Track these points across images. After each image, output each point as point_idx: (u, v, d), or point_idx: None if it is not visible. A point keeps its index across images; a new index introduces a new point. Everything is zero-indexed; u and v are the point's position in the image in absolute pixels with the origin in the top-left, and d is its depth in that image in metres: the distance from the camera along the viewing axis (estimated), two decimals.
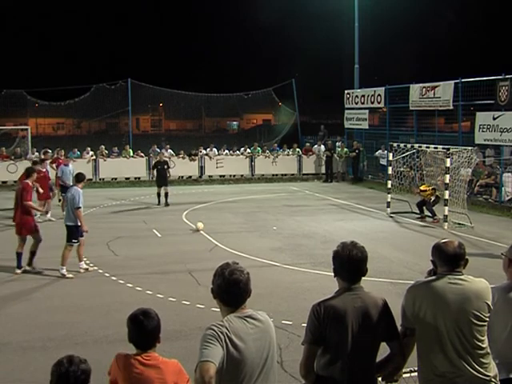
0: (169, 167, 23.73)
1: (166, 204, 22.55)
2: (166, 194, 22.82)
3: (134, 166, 30.10)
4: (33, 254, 13.06)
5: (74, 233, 12.73)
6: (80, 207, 12.59)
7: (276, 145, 35.21)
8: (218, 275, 4.16)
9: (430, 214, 19.39)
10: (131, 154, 30.77)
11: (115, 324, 9.21)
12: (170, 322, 9.17)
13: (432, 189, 19.57)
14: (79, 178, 13.22)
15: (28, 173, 13.53)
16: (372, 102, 30.43)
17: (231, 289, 4.08)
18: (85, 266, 13.14)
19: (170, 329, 8.92)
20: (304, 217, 20.10)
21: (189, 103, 36.40)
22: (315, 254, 14.50)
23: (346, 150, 32.06)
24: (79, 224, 12.68)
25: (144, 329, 4.43)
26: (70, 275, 12.64)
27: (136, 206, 22.32)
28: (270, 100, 38.59)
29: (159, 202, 22.78)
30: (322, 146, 33.10)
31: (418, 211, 19.83)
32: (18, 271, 12.82)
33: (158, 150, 31.05)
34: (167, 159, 26.67)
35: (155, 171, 23.64)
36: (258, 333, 4.13)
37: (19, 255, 12.89)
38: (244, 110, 43.19)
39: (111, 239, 16.32)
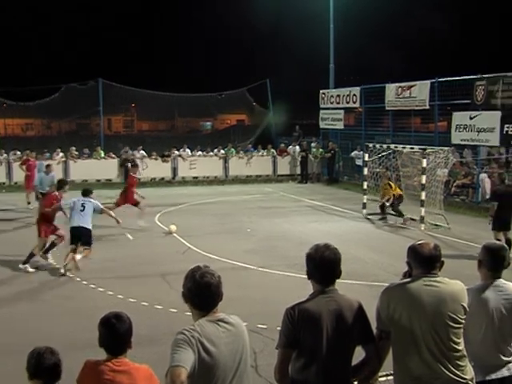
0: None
1: None
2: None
3: (106, 167, 29.90)
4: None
5: (91, 236, 13.59)
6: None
7: (250, 145, 35.24)
8: (189, 278, 4.15)
9: (393, 214, 19.60)
10: (102, 155, 30.56)
11: (86, 329, 9.10)
12: (142, 327, 9.09)
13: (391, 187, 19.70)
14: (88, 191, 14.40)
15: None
16: (347, 102, 30.58)
17: (202, 292, 4.07)
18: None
19: (141, 333, 8.84)
20: (278, 218, 20.11)
21: (161, 103, 36.20)
22: (290, 255, 14.50)
23: (321, 150, 32.20)
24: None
25: (116, 332, 4.38)
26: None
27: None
28: (244, 100, 38.59)
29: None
30: (297, 147, 33.19)
31: (380, 211, 19.98)
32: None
33: (130, 152, 30.93)
34: (136, 157, 26.82)
35: (123, 170, 23.84)
36: (231, 337, 4.12)
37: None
38: (218, 110, 43.09)
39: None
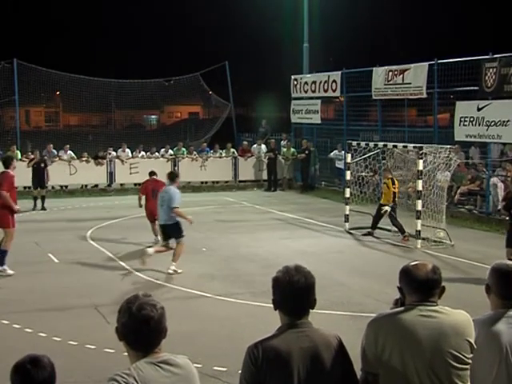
0: (46, 166, 25.92)
1: (43, 208, 25.08)
2: (43, 198, 25.14)
3: (22, 171, 29.50)
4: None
5: (179, 227, 15.81)
6: (177, 207, 15.68)
7: (205, 144, 35.21)
8: (124, 311, 4.10)
9: (388, 229, 19.74)
10: (19, 156, 30.22)
11: None
12: (69, 373, 9.00)
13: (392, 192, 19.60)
14: (173, 176, 16.65)
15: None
16: (325, 90, 30.77)
17: (140, 328, 4.02)
18: (174, 269, 15.41)
19: (69, 381, 8.76)
20: (241, 235, 20.12)
21: (94, 92, 36.01)
22: (255, 281, 14.51)
23: (293, 150, 32.35)
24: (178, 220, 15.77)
25: (32, 381, 4.30)
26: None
27: (25, 223, 21.89)
28: (197, 88, 38.60)
29: (35, 206, 25.24)
30: (263, 146, 33.29)
31: (371, 225, 20.05)
32: None
33: (55, 152, 30.67)
34: (46, 158, 27.79)
35: (31, 171, 25.49)
36: (177, 382, 4.08)
37: None
38: (165, 100, 43.06)
39: None
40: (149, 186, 19.27)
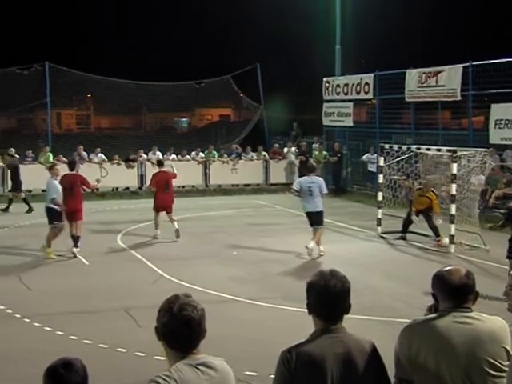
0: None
1: (5, 209, 25.94)
2: (11, 201, 26.06)
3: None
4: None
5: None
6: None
7: (236, 147, 35.24)
8: (165, 311, 4.11)
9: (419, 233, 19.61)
10: (51, 158, 30.46)
11: (27, 380, 9.05)
12: (99, 376, 9.02)
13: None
14: (312, 167, 18.91)
15: None
16: (358, 93, 30.70)
17: (181, 329, 4.04)
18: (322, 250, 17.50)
19: None
20: (272, 238, 20.11)
21: (125, 94, 36.21)
22: (287, 285, 14.47)
23: (324, 153, 32.26)
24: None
25: None
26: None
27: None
28: (228, 90, 38.69)
29: (7, 208, 25.96)
30: (295, 149, 33.25)
31: (402, 229, 19.96)
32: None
33: (85, 155, 30.88)
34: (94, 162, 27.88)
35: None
36: None
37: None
38: (196, 102, 43.16)
39: (24, 269, 16.14)
40: (161, 178, 20.47)
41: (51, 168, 18.33)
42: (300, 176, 31.37)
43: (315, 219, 17.85)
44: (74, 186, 18.05)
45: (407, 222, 19.87)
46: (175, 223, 20.17)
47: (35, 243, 18.81)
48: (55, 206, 17.38)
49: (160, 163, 21.62)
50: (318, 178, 18.56)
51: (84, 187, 18.56)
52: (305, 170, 19.42)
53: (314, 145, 33.64)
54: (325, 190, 18.03)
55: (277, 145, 34.78)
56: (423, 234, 19.78)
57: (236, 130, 39.65)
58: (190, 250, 18.67)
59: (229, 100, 43.64)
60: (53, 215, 17.52)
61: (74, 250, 17.69)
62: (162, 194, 20.28)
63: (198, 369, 4.05)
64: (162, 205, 20.25)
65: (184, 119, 61.20)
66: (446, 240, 18.67)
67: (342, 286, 4.48)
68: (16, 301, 13.43)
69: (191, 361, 4.06)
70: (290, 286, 14.32)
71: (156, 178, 20.66)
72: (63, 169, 25.22)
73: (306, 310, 4.56)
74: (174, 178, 21.25)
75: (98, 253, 17.95)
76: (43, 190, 29.49)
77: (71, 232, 17.96)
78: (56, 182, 17.65)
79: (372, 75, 29.72)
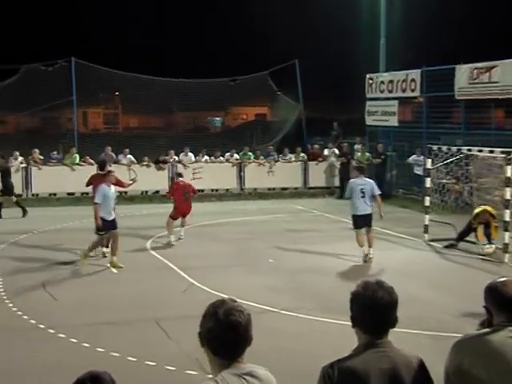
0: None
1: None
2: (1, 205, 25.79)
3: (81, 176, 29.93)
4: None
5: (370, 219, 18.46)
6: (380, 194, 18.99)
7: (273, 148, 35.25)
8: (210, 316, 4.10)
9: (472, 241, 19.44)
10: (77, 160, 30.71)
11: None
12: None
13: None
14: (363, 169, 20.06)
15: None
16: (403, 90, 30.56)
17: (227, 334, 4.03)
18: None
19: None
20: (311, 245, 20.08)
21: (155, 92, 36.35)
22: (326, 295, 14.48)
23: (367, 155, 32.12)
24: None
25: None
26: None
27: (82, 232, 22.23)
28: (265, 88, 38.65)
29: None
30: (336, 150, 33.19)
31: (456, 237, 19.75)
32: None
33: (113, 156, 31.03)
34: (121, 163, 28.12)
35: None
36: None
37: None
38: (230, 101, 43.18)
39: (49, 278, 16.27)
40: (179, 188, 21.48)
41: (106, 174, 18.42)
42: (341, 179, 31.42)
43: (365, 221, 18.44)
44: None
45: (466, 232, 19.60)
46: (184, 229, 21.57)
47: (58, 249, 19.04)
48: (104, 215, 17.50)
49: (179, 175, 22.92)
50: (369, 179, 19.14)
51: (118, 187, 19.48)
52: (355, 171, 19.88)
53: (356, 146, 33.51)
54: (378, 191, 18.65)
55: (316, 146, 34.75)
56: (473, 241, 19.61)
57: (273, 130, 39.60)
58: (222, 257, 18.72)
59: (265, 98, 43.55)
60: (102, 224, 17.61)
61: (104, 249, 18.44)
62: (182, 204, 21.27)
63: (244, 379, 4.06)
64: (182, 213, 21.44)
65: (217, 118, 61.32)
66: (491, 249, 18.56)
67: (389, 298, 4.46)
68: (40, 311, 13.54)
69: (237, 370, 4.07)
70: (329, 296, 14.29)
71: (174, 188, 21.94)
72: (90, 170, 25.52)
73: (349, 323, 4.55)
74: (127, 185, 21.77)
75: (126, 260, 18.03)
76: (70, 193, 30.06)
77: None
78: (107, 189, 17.72)
79: (419, 71, 29.56)
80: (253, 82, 37.90)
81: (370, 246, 18.21)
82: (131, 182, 20.87)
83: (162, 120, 52.99)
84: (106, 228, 17.59)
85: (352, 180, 19.14)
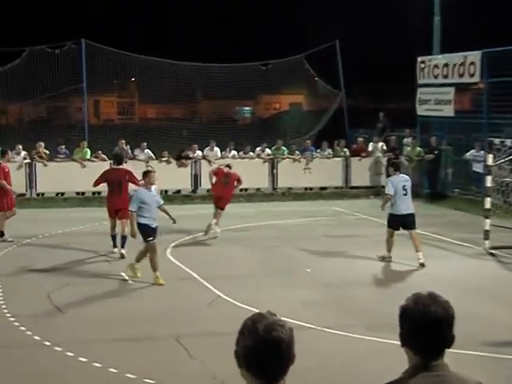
0: None
1: None
2: None
3: (93, 174, 29.98)
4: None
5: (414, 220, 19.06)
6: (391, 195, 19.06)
7: (310, 142, 35.19)
8: (248, 332, 4.07)
9: None
10: (88, 155, 30.82)
11: None
12: None
13: None
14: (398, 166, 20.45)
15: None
16: (461, 75, 30.38)
17: (269, 353, 4.01)
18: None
19: None
20: (354, 253, 20.06)
21: (177, 78, 36.47)
22: (371, 310, 14.47)
23: (418, 149, 31.99)
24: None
25: None
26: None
27: (94, 236, 22.36)
28: (301, 73, 38.66)
29: None
30: (381, 144, 33.06)
31: None
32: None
33: (128, 150, 31.10)
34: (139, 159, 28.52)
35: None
36: None
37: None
38: (262, 88, 43.17)
39: (55, 288, 16.34)
40: (220, 173, 22.88)
41: (146, 174, 18.09)
42: (388, 176, 31.29)
43: (409, 222, 19.04)
44: (122, 182, 20.04)
45: None
46: (214, 221, 22.54)
47: (66, 256, 19.14)
48: (147, 222, 17.22)
49: (228, 166, 23.72)
50: (406, 175, 20.26)
51: (133, 184, 20.00)
52: (393, 168, 20.31)
53: (405, 139, 33.40)
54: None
55: (360, 139, 34.61)
56: None
57: (310, 122, 39.54)
58: (252, 266, 18.74)
59: (301, 85, 43.50)
60: (145, 231, 17.32)
61: (123, 250, 19.47)
62: (219, 187, 22.83)
63: None
64: (217, 197, 22.85)
65: (247, 108, 61.37)
66: None
67: (444, 313, 4.42)
68: (45, 326, 13.61)
69: None
70: (375, 311, 14.26)
71: (218, 169, 23.34)
72: (102, 167, 25.66)
73: (398, 342, 4.51)
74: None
75: (144, 269, 18.05)
76: (79, 193, 30.20)
77: (112, 232, 20.11)
78: (145, 193, 17.39)
79: (479, 53, 29.36)
80: (287, 66, 37.94)
81: (417, 251, 18.65)
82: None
83: (184, 110, 53.06)
84: (150, 234, 17.27)
85: (393, 177, 19.63)
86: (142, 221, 17.22)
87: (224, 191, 22.66)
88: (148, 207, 17.26)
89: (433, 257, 19.69)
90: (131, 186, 20.08)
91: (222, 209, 22.72)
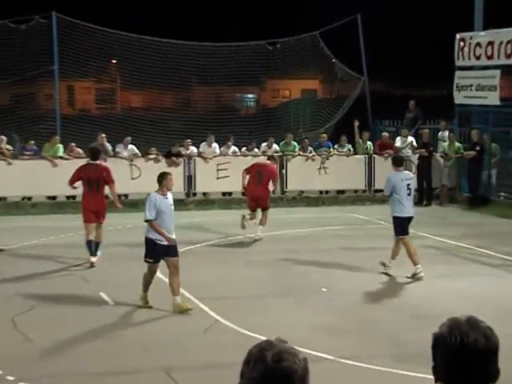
0: None
1: None
2: None
3: (66, 174, 29.86)
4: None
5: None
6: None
7: (326, 136, 35.13)
8: (255, 361, 4.09)
9: None
10: (61, 151, 30.79)
11: None
12: None
13: None
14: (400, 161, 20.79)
15: None
16: (509, 56, 30.36)
17: None
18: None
19: None
20: (378, 270, 20.00)
21: (167, 60, 36.46)
22: (399, 338, 14.52)
23: (457, 145, 31.98)
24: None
25: None
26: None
27: (68, 249, 22.36)
28: (315, 54, 38.60)
29: None
30: (411, 139, 33.03)
31: None
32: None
33: (109, 146, 31.07)
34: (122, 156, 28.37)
35: None
36: None
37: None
38: (268, 71, 43.14)
39: (20, 311, 16.33)
40: (254, 167, 24.10)
41: (163, 177, 17.60)
42: (421, 179, 31.31)
43: (408, 225, 19.86)
44: (100, 179, 20.38)
45: None
46: (261, 227, 23.83)
47: (35, 273, 19.19)
48: (154, 236, 16.78)
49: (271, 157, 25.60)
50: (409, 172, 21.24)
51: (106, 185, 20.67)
52: (394, 163, 20.80)
53: (440, 133, 33.40)
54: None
55: (385, 134, 34.52)
56: None
57: (326, 112, 39.49)
58: (257, 284, 18.74)
59: (315, 68, 43.42)
60: (149, 249, 16.98)
61: (93, 259, 20.13)
62: (253, 185, 23.74)
63: None
64: (252, 198, 23.94)
65: (250, 95, 61.41)
66: None
67: (485, 343, 4.43)
68: (9, 357, 13.58)
69: None
70: (402, 339, 14.31)
71: (251, 166, 24.38)
72: (77, 165, 25.69)
73: (431, 376, 4.53)
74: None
75: (125, 288, 18.07)
76: (50, 197, 30.20)
77: (88, 237, 20.49)
78: (160, 200, 17.05)
79: None
80: (299, 45, 37.88)
81: (415, 264, 19.25)
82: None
83: (176, 98, 53.16)
84: (158, 254, 16.87)
85: (392, 173, 20.31)
86: (150, 235, 16.81)
87: (257, 189, 23.70)
88: (162, 217, 16.83)
89: (473, 274, 19.72)
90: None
91: (266, 208, 23.80)
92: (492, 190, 31.58)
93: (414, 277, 19.06)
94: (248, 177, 24.01)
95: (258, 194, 23.66)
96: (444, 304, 16.56)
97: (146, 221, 16.77)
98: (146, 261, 16.91)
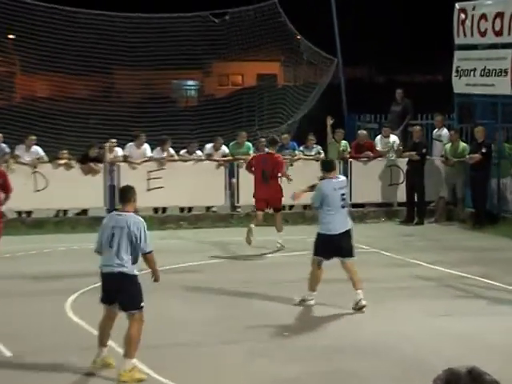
0: None
1: None
2: None
3: None
4: None
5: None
6: None
7: (290, 135, 35.20)
8: None
9: None
10: None
11: None
12: None
13: None
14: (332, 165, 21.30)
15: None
16: None
17: None
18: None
19: None
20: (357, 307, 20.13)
21: (82, 37, 36.43)
22: None
23: (463, 146, 31.99)
24: None
25: None
26: None
27: None
28: (274, 29, 38.68)
29: None
30: (393, 139, 33.16)
31: None
32: None
33: (5, 147, 30.98)
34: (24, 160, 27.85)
35: None
36: None
37: None
38: (214, 52, 43.25)
39: None
40: (257, 163, 25.26)
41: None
42: (410, 189, 31.46)
43: (344, 245, 20.30)
44: None
45: None
46: (280, 234, 25.58)
47: None
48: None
49: (273, 141, 26.72)
50: (343, 177, 22.16)
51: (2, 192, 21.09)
52: (324, 168, 21.23)
53: (435, 131, 33.52)
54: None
55: (362, 131, 34.59)
56: None
57: (289, 104, 39.60)
58: (201, 327, 18.78)
59: (275, 47, 43.63)
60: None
61: None
62: (259, 185, 24.96)
63: None
64: (261, 200, 25.31)
65: (191, 82, 61.49)
66: None
67: None
68: None
69: None
70: None
71: (251, 161, 25.60)
72: None
73: None
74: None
75: (30, 334, 18.03)
76: None
77: None
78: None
79: None
80: (253, 18, 37.95)
81: (356, 288, 20.05)
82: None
83: (94, 85, 53.16)
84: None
85: (324, 182, 20.67)
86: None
87: (265, 190, 25.03)
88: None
89: (477, 312, 19.85)
90: None
91: (279, 209, 25.32)
92: (503, 205, 31.62)
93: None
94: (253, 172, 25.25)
95: (267, 196, 24.85)
96: (438, 350, 16.65)
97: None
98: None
